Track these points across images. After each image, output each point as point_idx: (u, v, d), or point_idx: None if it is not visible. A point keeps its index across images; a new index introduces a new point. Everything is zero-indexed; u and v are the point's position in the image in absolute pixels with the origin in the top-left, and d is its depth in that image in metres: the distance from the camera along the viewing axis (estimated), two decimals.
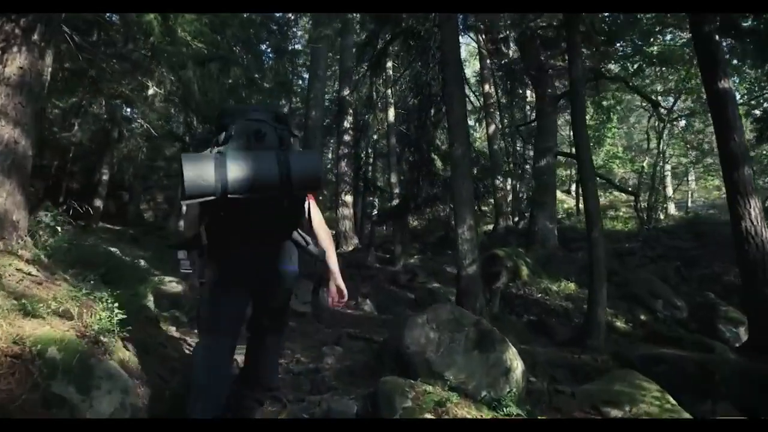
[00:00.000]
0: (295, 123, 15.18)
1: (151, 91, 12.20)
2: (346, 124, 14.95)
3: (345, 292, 2.37)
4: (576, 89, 5.90)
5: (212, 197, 1.98)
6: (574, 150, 7.02)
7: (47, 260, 3.66)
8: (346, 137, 14.92)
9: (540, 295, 8.85)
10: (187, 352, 3.48)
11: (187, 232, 2.32)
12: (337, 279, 2.35)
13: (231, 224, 2.15)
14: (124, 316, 2.64)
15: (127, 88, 8.81)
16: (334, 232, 14.69)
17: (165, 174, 19.85)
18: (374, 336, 4.45)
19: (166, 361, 3.13)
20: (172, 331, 3.94)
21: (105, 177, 10.52)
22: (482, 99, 17.06)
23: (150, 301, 4.37)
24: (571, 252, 12.27)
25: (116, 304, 2.64)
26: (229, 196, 1.98)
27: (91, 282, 3.75)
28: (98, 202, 10.28)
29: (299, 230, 2.31)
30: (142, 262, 7.34)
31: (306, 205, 2.30)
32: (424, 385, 2.59)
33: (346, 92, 14.76)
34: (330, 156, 21.75)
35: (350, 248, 13.37)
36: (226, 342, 2.34)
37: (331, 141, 18.90)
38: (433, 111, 9.99)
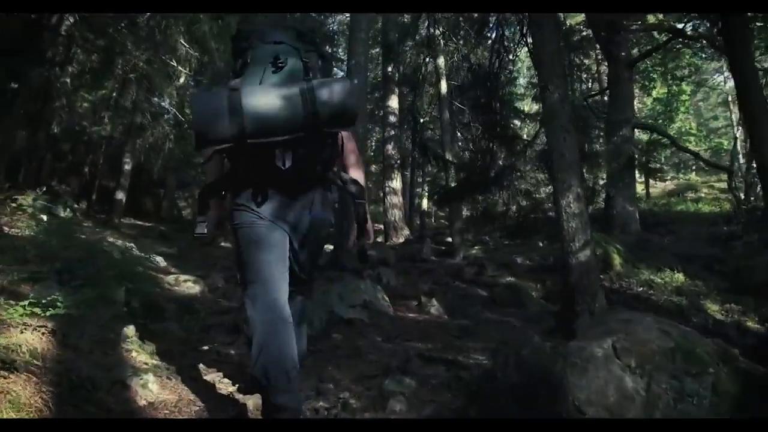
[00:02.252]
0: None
1: (182, 80, 11.25)
2: (393, 104, 13.59)
3: (371, 233, 2.07)
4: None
5: (228, 144, 1.72)
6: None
7: None
8: (392, 118, 13.54)
9: (641, 288, 7.16)
10: (161, 394, 2.13)
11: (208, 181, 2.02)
12: (360, 214, 2.00)
13: (254, 169, 1.87)
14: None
15: (142, 59, 7.69)
16: (381, 225, 13.27)
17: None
18: (458, 356, 2.98)
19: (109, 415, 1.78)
20: (159, 354, 2.59)
21: (127, 167, 9.48)
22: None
23: (134, 308, 3.07)
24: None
25: None
26: (248, 141, 1.71)
27: (22, 281, 2.49)
28: (120, 195, 9.23)
29: (334, 170, 1.98)
30: (158, 258, 6.15)
31: (339, 139, 1.98)
32: None
33: (390, 68, 13.43)
34: (374, 140, 20.45)
35: (401, 240, 11.97)
36: (274, 288, 1.95)
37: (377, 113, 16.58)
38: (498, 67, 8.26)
